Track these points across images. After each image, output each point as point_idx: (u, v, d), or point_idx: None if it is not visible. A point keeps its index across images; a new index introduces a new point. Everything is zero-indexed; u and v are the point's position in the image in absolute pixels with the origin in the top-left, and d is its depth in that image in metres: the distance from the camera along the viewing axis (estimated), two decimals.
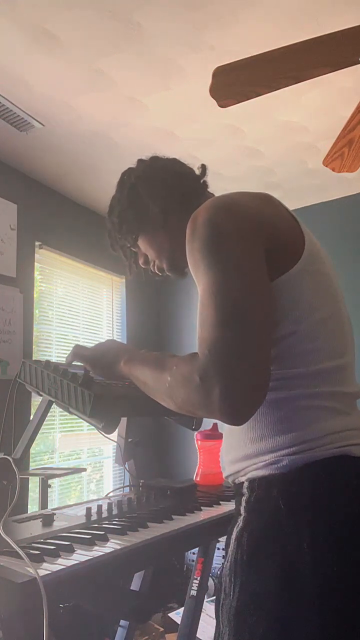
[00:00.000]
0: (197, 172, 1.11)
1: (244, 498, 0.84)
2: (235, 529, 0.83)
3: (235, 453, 0.88)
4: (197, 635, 1.83)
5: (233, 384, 0.72)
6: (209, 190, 1.11)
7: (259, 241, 0.81)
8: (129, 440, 1.60)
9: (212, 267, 0.79)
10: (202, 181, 1.10)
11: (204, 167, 1.11)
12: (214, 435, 1.64)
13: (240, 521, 0.83)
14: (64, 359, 1.20)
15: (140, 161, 1.12)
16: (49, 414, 1.27)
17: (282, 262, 0.83)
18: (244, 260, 0.79)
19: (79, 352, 1.15)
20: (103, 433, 1.13)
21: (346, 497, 0.77)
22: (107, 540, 0.97)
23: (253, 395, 0.74)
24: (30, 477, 2.60)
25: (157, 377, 0.88)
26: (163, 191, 1.04)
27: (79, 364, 1.17)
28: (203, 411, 0.78)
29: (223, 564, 0.85)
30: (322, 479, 0.78)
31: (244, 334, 0.74)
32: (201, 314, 0.79)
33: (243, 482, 0.86)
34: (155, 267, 1.11)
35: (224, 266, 0.79)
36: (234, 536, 0.83)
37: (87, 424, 1.19)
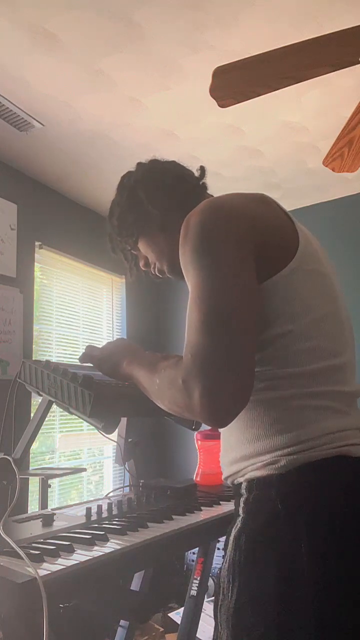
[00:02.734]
0: (196, 173, 1.11)
1: (242, 499, 0.85)
2: (233, 529, 0.83)
3: (234, 454, 0.88)
4: (197, 635, 1.83)
5: (213, 387, 0.73)
6: (208, 191, 1.11)
7: (249, 244, 0.81)
8: (129, 440, 1.60)
9: (200, 271, 0.80)
10: (201, 183, 1.11)
11: (202, 169, 1.11)
12: (214, 435, 1.64)
13: (238, 522, 0.83)
14: (65, 359, 1.21)
15: (139, 164, 1.13)
16: (49, 414, 1.27)
17: (274, 262, 0.83)
18: (231, 265, 0.79)
19: (89, 353, 1.16)
20: (103, 433, 1.13)
21: (344, 498, 0.77)
22: (107, 540, 0.98)
23: (233, 399, 0.75)
24: (30, 477, 2.60)
25: (149, 379, 0.90)
26: (162, 194, 1.05)
27: (89, 365, 1.18)
28: (187, 412, 0.80)
29: (222, 564, 0.85)
30: (320, 480, 0.78)
31: (226, 338, 0.75)
32: (188, 318, 0.80)
33: (241, 483, 0.86)
34: (156, 270, 1.12)
35: (210, 270, 0.80)
36: (232, 537, 0.83)
37: (87, 424, 1.19)
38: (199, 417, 0.77)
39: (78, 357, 1.21)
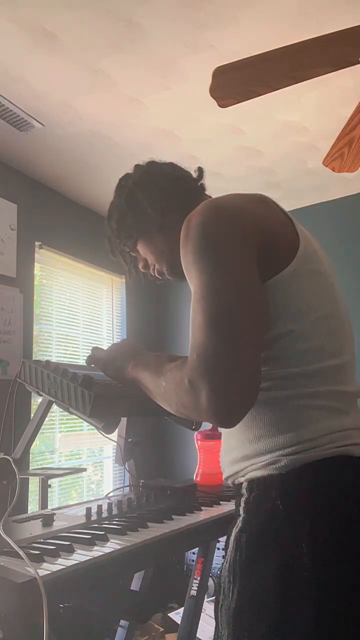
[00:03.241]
0: (194, 175, 1.11)
1: (243, 499, 0.85)
2: (234, 529, 0.83)
3: (234, 454, 0.88)
4: (197, 635, 1.83)
5: (220, 387, 0.73)
6: (206, 192, 1.11)
7: (250, 244, 0.81)
8: (129, 440, 1.60)
9: (202, 271, 0.80)
10: (199, 184, 1.10)
11: (200, 170, 1.11)
12: (214, 435, 1.64)
13: (239, 522, 0.83)
14: (65, 359, 1.21)
15: (137, 166, 1.13)
16: (49, 414, 1.27)
17: (275, 262, 0.83)
18: (233, 265, 0.79)
19: (94, 355, 1.16)
20: (103, 433, 1.13)
21: (345, 498, 0.77)
22: (107, 540, 0.97)
23: (241, 398, 0.74)
24: (30, 477, 2.60)
25: (155, 382, 0.90)
26: (161, 195, 1.05)
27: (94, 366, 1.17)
28: (194, 414, 0.80)
29: (222, 564, 0.85)
30: (320, 479, 0.78)
31: (231, 338, 0.75)
32: (192, 318, 0.80)
33: (242, 483, 0.86)
34: (155, 271, 1.12)
35: (213, 270, 0.79)
36: (232, 537, 0.83)
37: (87, 424, 1.19)
38: (206, 417, 0.76)
39: (83, 358, 1.21)
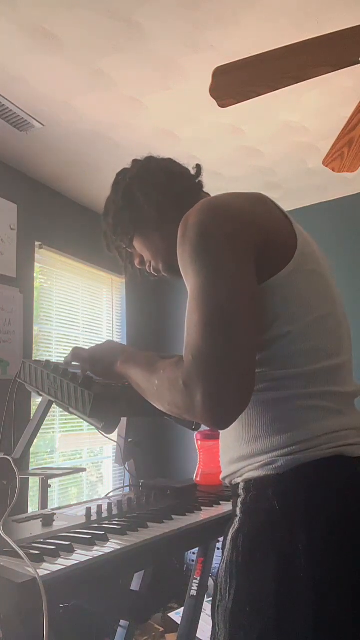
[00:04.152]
0: (192, 172, 1.10)
1: (239, 499, 0.84)
2: (231, 530, 0.83)
3: (232, 454, 0.88)
4: (197, 635, 1.83)
5: (214, 389, 0.73)
6: (205, 190, 1.10)
7: (248, 244, 0.81)
8: (129, 440, 1.60)
9: (199, 272, 0.79)
10: (197, 181, 1.09)
11: (198, 167, 1.10)
12: (214, 435, 1.64)
13: (236, 522, 0.83)
14: (63, 359, 1.20)
15: (135, 161, 1.12)
16: (49, 414, 1.27)
17: (273, 263, 0.83)
18: (230, 265, 0.79)
19: (77, 353, 1.14)
20: (103, 433, 1.13)
21: (342, 498, 0.77)
22: (107, 540, 0.97)
23: (235, 400, 0.74)
24: (30, 477, 2.60)
25: (147, 380, 0.89)
26: (158, 192, 1.04)
27: (76, 364, 1.16)
28: (187, 414, 0.79)
29: (220, 564, 0.85)
30: (317, 480, 0.78)
31: (227, 339, 0.75)
32: (187, 319, 0.79)
33: (239, 483, 0.86)
34: (151, 268, 1.11)
35: (210, 271, 0.79)
36: (229, 537, 0.83)
37: (87, 424, 1.19)
38: (200, 419, 0.76)
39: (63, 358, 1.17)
